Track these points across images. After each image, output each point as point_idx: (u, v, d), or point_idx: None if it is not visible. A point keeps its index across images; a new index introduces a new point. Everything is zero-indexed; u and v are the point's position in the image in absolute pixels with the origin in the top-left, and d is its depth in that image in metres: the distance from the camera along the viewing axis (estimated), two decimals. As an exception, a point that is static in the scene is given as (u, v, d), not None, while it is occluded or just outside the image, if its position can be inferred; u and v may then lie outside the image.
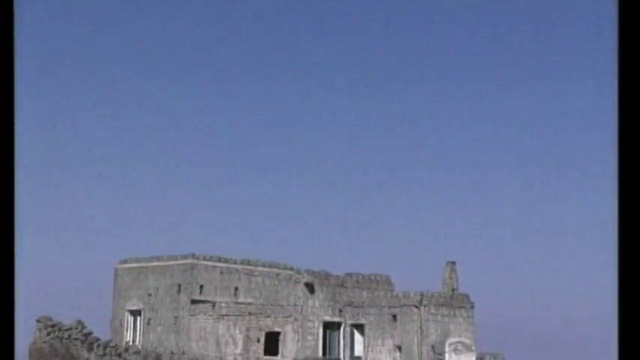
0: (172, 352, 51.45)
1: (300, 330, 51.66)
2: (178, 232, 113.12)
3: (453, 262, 53.58)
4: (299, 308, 51.94)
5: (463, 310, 51.24)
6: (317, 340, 52.22)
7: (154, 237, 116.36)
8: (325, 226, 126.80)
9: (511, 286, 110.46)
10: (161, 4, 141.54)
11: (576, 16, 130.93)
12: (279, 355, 51.37)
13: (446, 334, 50.12)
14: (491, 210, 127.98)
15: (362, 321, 53.01)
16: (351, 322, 53.26)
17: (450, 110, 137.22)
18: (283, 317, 51.59)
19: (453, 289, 52.28)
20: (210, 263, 53.09)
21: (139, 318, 55.05)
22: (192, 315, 52.25)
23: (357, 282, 54.39)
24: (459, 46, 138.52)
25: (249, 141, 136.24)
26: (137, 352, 50.87)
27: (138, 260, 55.90)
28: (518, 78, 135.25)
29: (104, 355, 49.93)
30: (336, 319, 53.01)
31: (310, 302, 52.29)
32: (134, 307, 55.20)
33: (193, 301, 52.30)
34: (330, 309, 52.99)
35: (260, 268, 55.09)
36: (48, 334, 50.06)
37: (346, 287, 53.88)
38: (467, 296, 52.01)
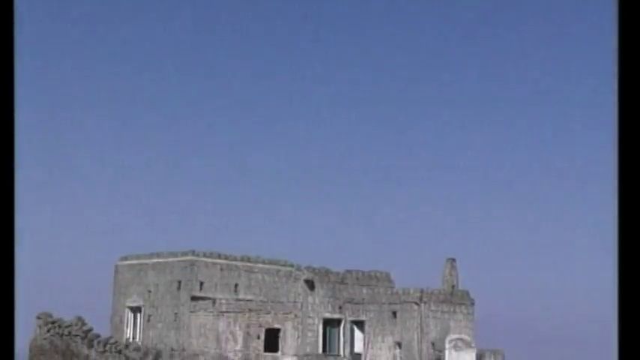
0: (172, 349, 51.50)
1: (300, 327, 51.69)
2: (178, 229, 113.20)
3: (453, 259, 53.57)
4: (299, 305, 51.98)
5: (463, 306, 51.25)
6: (317, 336, 52.24)
7: (154, 234, 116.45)
8: (325, 223, 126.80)
9: (511, 283, 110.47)
10: (161, 3, 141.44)
11: (576, 16, 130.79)
12: (279, 352, 51.41)
13: (446, 331, 50.14)
14: (491, 207, 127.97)
15: (362, 318, 53.03)
16: (351, 318, 53.29)
17: (450, 109, 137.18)
18: (283, 314, 51.62)
19: (453, 286, 52.29)
20: (210, 260, 53.14)
21: (139, 315, 55.10)
22: (192, 312, 52.30)
23: (357, 279, 54.41)
24: (459, 46, 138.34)
25: (249, 138, 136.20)
26: (137, 349, 50.92)
27: (138, 257, 55.93)
28: (518, 76, 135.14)
29: (104, 351, 49.98)
30: (336, 316, 53.03)
31: (310, 299, 52.32)
32: (134, 304, 55.24)
33: (193, 298, 52.35)
34: (330, 306, 53.02)
35: (260, 265, 55.14)
36: (48, 331, 50.09)
37: (346, 284, 53.89)
38: (467, 293, 52.01)
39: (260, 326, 51.31)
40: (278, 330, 51.57)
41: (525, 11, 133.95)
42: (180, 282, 52.83)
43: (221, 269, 53.48)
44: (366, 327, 52.77)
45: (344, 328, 53.26)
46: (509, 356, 54.76)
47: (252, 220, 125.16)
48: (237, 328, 51.18)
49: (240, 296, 53.53)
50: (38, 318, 50.85)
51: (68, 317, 51.52)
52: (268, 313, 51.59)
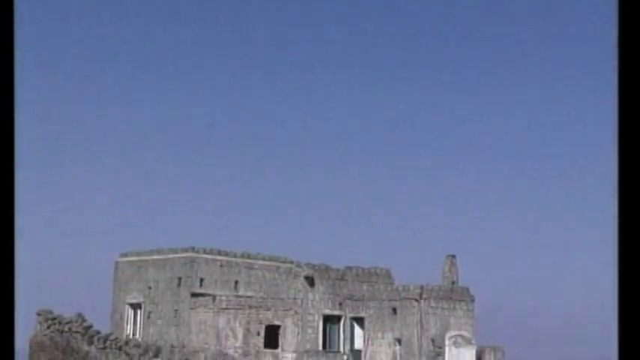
0: (172, 346, 51.53)
1: (300, 323, 51.72)
2: (179, 226, 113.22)
3: (453, 256, 53.58)
4: (299, 301, 52.00)
5: (463, 303, 51.27)
6: (317, 333, 52.27)
7: (154, 230, 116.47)
8: (325, 219, 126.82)
9: (511, 279, 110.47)
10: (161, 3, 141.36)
11: (576, 16, 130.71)
12: (279, 348, 51.43)
13: (446, 328, 50.17)
14: (491, 204, 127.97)
15: (362, 314, 53.05)
16: (351, 315, 53.31)
17: (450, 106, 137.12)
18: (283, 310, 51.65)
19: (453, 283, 52.31)
20: (210, 256, 53.16)
21: (139, 311, 55.13)
22: (192, 308, 52.33)
23: (357, 275, 54.43)
24: (459, 46, 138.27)
25: (249, 135, 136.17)
26: (137, 345, 50.95)
27: (138, 253, 55.95)
28: (518, 76, 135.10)
29: (104, 348, 50.01)
30: (336, 313, 53.05)
31: (310, 295, 52.35)
32: (134, 301, 55.27)
33: (193, 295, 52.37)
34: (330, 302, 53.04)
35: (260, 262, 55.16)
36: (48, 328, 50.13)
37: (346, 280, 53.91)
38: (467, 289, 52.03)
39: (260, 323, 51.34)
40: (278, 326, 51.60)
41: (525, 11, 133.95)
42: (180, 278, 52.86)
43: (221, 266, 53.50)
44: (366, 323, 52.80)
45: (344, 324, 53.29)
46: (509, 353, 54.82)
47: (252, 217, 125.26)
48: (237, 325, 51.21)
49: (240, 293, 53.55)
50: (38, 315, 50.88)
51: (68, 314, 51.58)
52: (268, 309, 51.62)
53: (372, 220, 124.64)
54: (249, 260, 54.68)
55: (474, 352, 50.92)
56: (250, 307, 51.56)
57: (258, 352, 50.91)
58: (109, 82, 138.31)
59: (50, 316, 50.68)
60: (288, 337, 51.49)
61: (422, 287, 50.81)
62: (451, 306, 50.82)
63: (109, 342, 50.31)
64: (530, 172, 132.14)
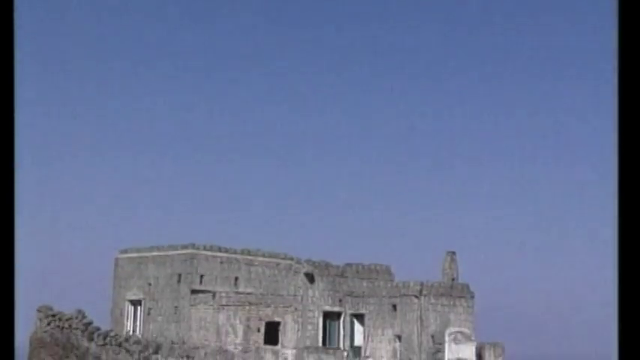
0: (173, 342, 51.57)
1: (300, 320, 51.76)
2: (179, 222, 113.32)
3: (453, 252, 53.62)
4: (299, 298, 52.03)
5: (463, 299, 51.31)
6: (317, 329, 52.32)
7: (154, 227, 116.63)
8: (325, 216, 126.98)
9: (511, 276, 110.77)
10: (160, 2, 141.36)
11: (576, 17, 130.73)
12: (279, 345, 51.48)
13: (446, 324, 50.21)
14: (490, 201, 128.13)
15: (362, 311, 53.09)
16: (351, 311, 53.36)
17: (450, 104, 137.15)
18: (283, 307, 51.69)
19: (453, 279, 52.35)
20: (210, 253, 53.17)
21: (139, 308, 55.15)
22: (192, 305, 52.35)
23: (357, 272, 54.46)
24: (459, 45, 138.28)
25: (250, 133, 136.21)
26: (137, 342, 50.98)
27: (138, 250, 55.96)
28: (519, 75, 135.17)
29: (104, 344, 50.04)
30: (336, 309, 53.09)
31: (310, 292, 52.37)
32: (134, 297, 55.29)
33: (193, 291, 52.39)
34: (330, 299, 53.08)
35: (260, 258, 55.15)
36: (48, 324, 50.13)
37: (346, 277, 53.95)
38: (467, 286, 52.08)
39: (260, 319, 51.37)
40: (278, 323, 51.64)
41: (526, 11, 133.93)
42: (180, 275, 52.86)
43: (221, 262, 53.50)
44: (366, 320, 52.84)
45: (344, 321, 53.34)
46: (509, 349, 54.87)
47: (253, 214, 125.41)
48: (238, 322, 51.23)
49: (241, 289, 53.54)
50: (38, 311, 50.88)
51: (68, 310, 51.56)
52: (268, 306, 51.66)
53: (372, 217, 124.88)
54: (249, 257, 54.68)
55: (473, 348, 50.97)
56: (250, 303, 51.59)
57: (258, 348, 50.95)
58: (110, 80, 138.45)
59: (50, 312, 50.69)
60: (288, 334, 51.54)
61: (422, 284, 50.85)
62: (451, 302, 50.86)
63: (109, 338, 50.34)
64: (530, 169, 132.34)
